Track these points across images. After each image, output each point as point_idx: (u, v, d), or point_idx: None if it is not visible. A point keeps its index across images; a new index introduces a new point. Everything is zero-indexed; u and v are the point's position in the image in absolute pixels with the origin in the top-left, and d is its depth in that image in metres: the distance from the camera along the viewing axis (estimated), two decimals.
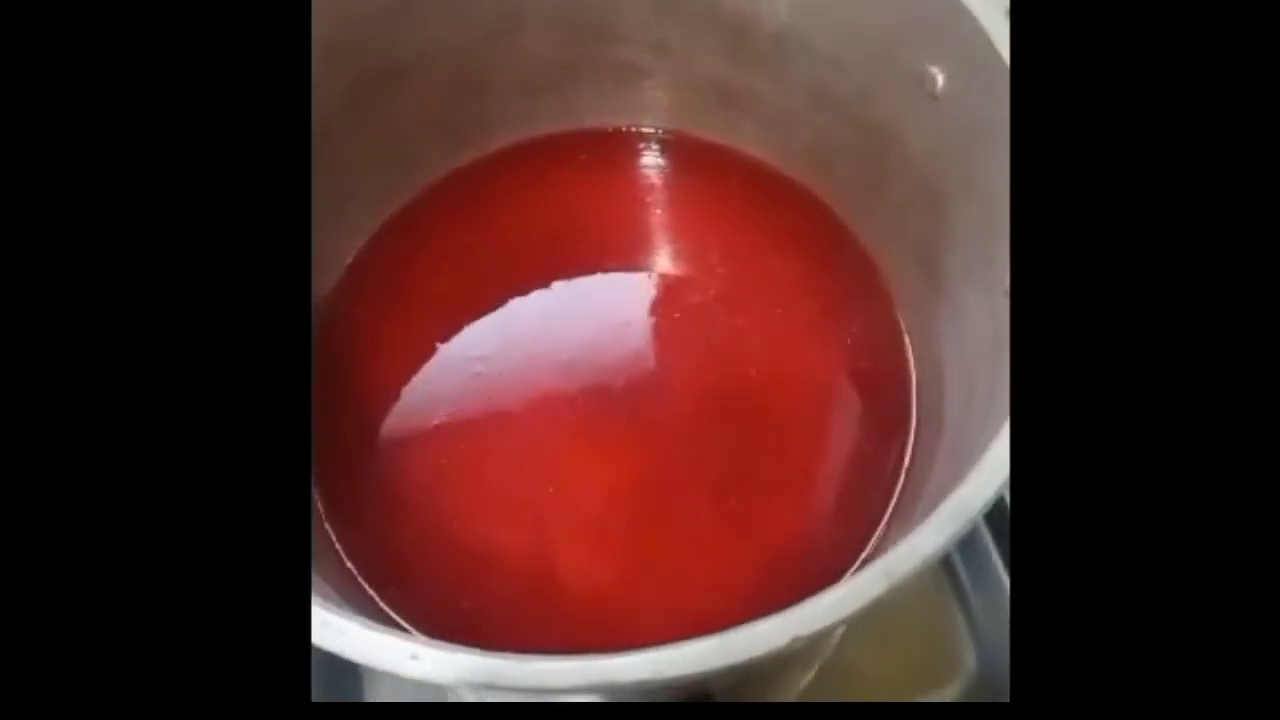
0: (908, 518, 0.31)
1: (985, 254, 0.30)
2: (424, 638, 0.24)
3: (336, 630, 0.21)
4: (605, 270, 0.39)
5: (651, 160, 0.41)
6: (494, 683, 0.20)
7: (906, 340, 0.37)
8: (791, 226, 0.39)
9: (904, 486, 0.34)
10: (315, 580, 0.23)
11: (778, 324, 0.38)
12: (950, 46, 0.31)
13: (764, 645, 0.20)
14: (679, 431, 0.35)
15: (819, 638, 0.21)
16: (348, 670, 0.38)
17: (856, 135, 0.36)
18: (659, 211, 0.41)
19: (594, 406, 0.36)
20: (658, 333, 0.38)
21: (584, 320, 0.38)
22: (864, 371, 0.36)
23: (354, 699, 0.38)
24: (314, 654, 0.21)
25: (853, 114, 0.36)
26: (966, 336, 0.32)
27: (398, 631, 0.22)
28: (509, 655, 0.21)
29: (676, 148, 0.41)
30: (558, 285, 0.38)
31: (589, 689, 0.20)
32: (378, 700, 0.38)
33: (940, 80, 0.32)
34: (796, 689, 0.38)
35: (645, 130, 0.41)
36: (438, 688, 0.38)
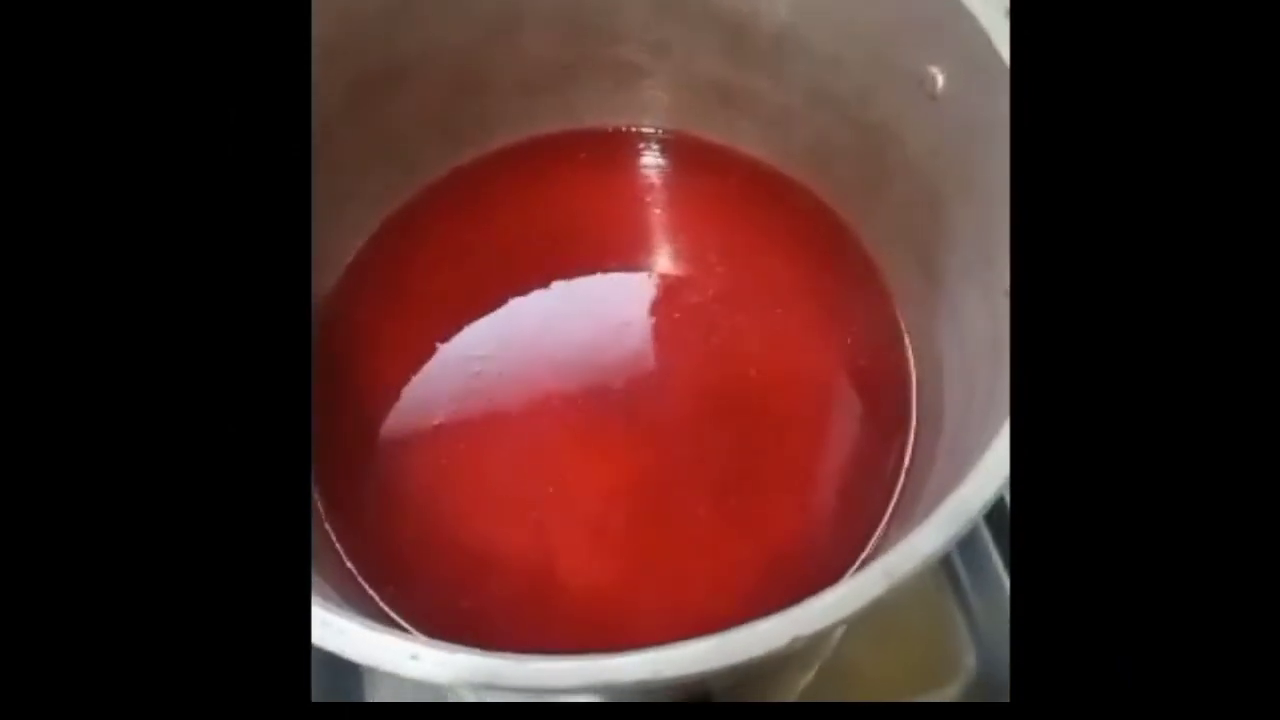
0: (908, 518, 0.31)
1: (985, 254, 0.30)
2: (424, 638, 0.24)
3: (336, 630, 0.21)
4: (605, 270, 0.39)
5: (651, 160, 0.41)
6: (494, 683, 0.20)
7: (906, 340, 0.37)
8: (791, 226, 0.39)
9: (904, 486, 0.34)
10: (315, 580, 0.23)
11: (777, 324, 0.38)
12: (950, 46, 0.31)
13: (764, 645, 0.20)
14: (679, 431, 0.35)
15: (819, 638, 0.21)
16: (348, 670, 0.38)
17: (856, 135, 0.36)
18: (659, 211, 0.41)
19: (594, 406, 0.36)
20: (657, 332, 0.38)
21: (584, 320, 0.38)
22: (864, 371, 0.36)
23: (354, 699, 0.38)
24: (314, 654, 0.21)
25: (852, 113, 0.36)
26: (966, 336, 0.32)
27: (397, 631, 0.22)
28: (508, 655, 0.21)
29: (676, 147, 0.41)
30: (558, 285, 0.38)
31: (588, 689, 0.20)
32: (378, 700, 0.38)
33: (940, 80, 0.32)
34: (796, 689, 0.38)
35: (645, 130, 0.41)
36: (437, 688, 0.38)
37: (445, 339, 0.37)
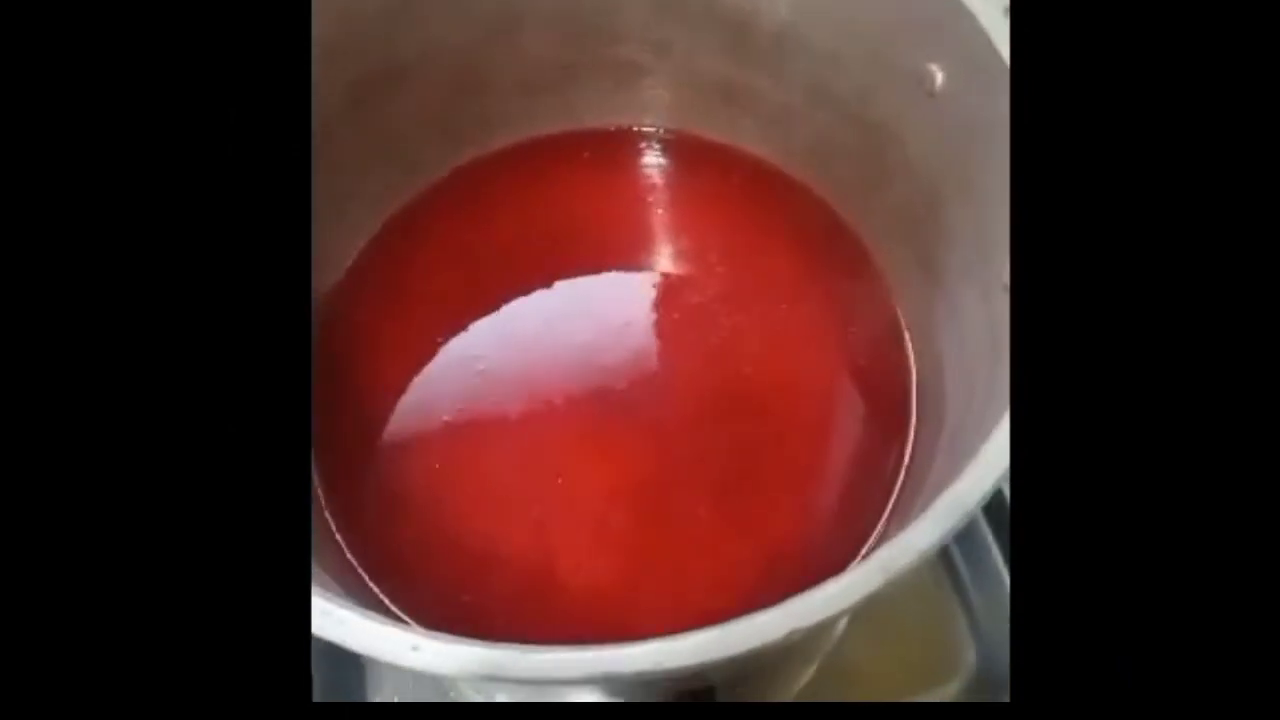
0: (907, 516, 0.31)
1: (984, 252, 0.30)
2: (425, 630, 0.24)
3: (337, 620, 0.21)
4: (606, 270, 0.39)
5: (652, 159, 0.41)
6: (495, 674, 0.20)
7: (906, 338, 0.37)
8: (792, 225, 0.39)
9: (904, 485, 0.34)
10: (315, 571, 0.23)
11: (778, 322, 0.38)
12: (950, 45, 0.31)
13: (762, 637, 0.20)
14: (679, 430, 0.35)
15: (817, 630, 0.21)
16: (350, 668, 0.38)
17: (856, 134, 0.36)
18: (660, 211, 0.41)
19: (595, 405, 0.36)
20: (658, 332, 0.38)
21: (585, 320, 0.38)
22: (864, 370, 0.37)
23: (356, 698, 0.38)
24: (316, 650, 0.21)
25: (853, 112, 0.36)
26: (966, 334, 0.32)
27: (398, 623, 0.22)
28: (510, 646, 0.21)
29: (677, 147, 0.41)
30: (559, 285, 0.39)
31: (590, 680, 0.20)
32: (380, 699, 0.38)
33: (940, 79, 0.32)
34: (797, 686, 0.38)
35: (646, 129, 0.42)
36: (440, 685, 0.38)
37: (446, 339, 0.37)
